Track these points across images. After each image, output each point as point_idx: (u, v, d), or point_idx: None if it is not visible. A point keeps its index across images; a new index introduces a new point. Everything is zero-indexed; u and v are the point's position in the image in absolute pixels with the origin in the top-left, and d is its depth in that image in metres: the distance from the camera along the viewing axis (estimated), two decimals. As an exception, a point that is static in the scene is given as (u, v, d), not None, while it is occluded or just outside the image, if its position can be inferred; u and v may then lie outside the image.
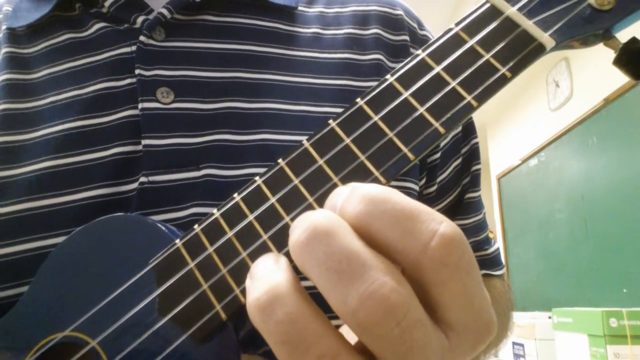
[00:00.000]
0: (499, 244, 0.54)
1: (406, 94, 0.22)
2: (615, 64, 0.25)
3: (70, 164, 0.35)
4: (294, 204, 0.22)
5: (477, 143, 0.50)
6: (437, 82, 0.22)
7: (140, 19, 0.39)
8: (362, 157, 0.22)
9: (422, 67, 0.22)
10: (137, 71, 0.36)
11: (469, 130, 0.50)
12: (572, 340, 1.62)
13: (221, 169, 0.36)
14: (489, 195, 3.30)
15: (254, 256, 0.22)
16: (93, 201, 0.34)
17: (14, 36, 0.40)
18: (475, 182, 0.50)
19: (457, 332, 0.18)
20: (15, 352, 0.26)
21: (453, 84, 0.21)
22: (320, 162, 0.22)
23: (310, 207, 0.22)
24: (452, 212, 0.49)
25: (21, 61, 0.39)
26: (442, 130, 0.21)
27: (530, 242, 2.75)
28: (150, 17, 0.39)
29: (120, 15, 0.39)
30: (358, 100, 0.23)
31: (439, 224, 0.17)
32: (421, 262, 0.17)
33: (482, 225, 0.51)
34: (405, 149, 0.21)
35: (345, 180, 0.22)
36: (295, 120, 0.38)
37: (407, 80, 0.22)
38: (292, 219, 0.22)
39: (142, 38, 0.37)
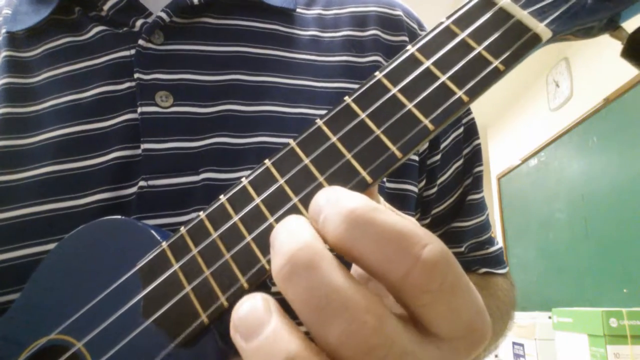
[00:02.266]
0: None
1: (394, 90, 0.21)
2: (623, 56, 0.23)
3: (72, 169, 0.35)
4: (279, 204, 0.21)
5: (479, 144, 0.50)
6: (427, 78, 0.21)
7: (139, 23, 0.38)
8: (348, 156, 0.21)
9: (412, 62, 0.21)
10: (136, 75, 0.36)
11: (471, 132, 0.49)
12: (572, 340, 1.62)
13: (220, 172, 0.35)
14: (489, 195, 3.30)
15: (237, 258, 0.21)
16: (94, 206, 0.34)
17: (14, 40, 0.40)
18: (477, 184, 0.49)
19: (448, 342, 0.18)
20: (7, 356, 0.25)
21: (443, 78, 0.20)
22: (306, 161, 0.21)
23: (294, 208, 0.21)
24: (453, 213, 0.49)
25: (21, 65, 0.39)
26: (431, 127, 0.20)
27: (530, 242, 2.75)
28: (149, 20, 0.38)
29: (119, 18, 0.39)
30: (346, 97, 0.22)
31: (422, 249, 0.16)
32: (402, 288, 0.16)
33: (484, 227, 0.51)
34: (392, 147, 0.20)
35: (331, 179, 0.21)
36: (293, 123, 0.38)
37: (395, 76, 0.21)
38: (277, 220, 0.21)
39: (141, 42, 0.37)
